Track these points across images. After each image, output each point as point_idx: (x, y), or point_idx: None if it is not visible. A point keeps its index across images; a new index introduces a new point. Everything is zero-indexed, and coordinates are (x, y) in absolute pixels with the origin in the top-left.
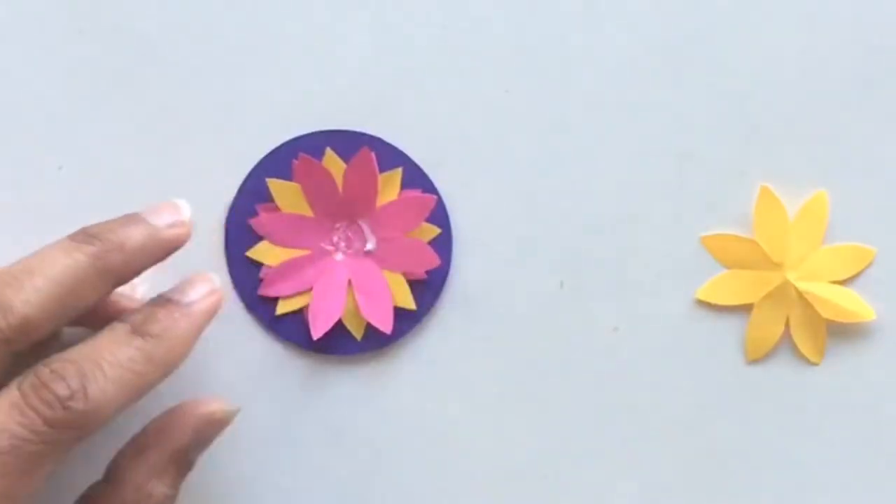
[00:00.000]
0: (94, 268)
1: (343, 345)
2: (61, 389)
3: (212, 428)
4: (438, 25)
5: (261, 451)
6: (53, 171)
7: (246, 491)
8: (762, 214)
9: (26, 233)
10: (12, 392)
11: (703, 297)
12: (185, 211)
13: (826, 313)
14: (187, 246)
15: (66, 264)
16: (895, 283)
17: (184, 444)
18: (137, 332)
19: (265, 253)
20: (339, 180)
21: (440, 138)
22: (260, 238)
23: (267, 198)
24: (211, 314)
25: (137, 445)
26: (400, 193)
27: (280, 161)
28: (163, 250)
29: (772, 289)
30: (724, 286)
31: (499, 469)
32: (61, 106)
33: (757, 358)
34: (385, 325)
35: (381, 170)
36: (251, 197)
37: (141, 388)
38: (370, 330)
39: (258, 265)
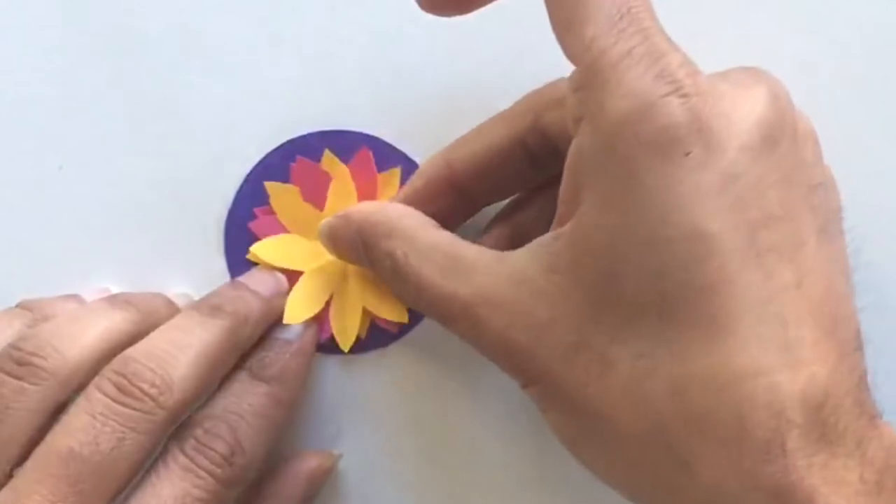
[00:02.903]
0: (230, 342)
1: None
2: (221, 447)
3: (319, 479)
4: (438, 25)
5: None
6: (53, 171)
7: None
8: None
9: (26, 233)
10: (178, 457)
11: None
12: (283, 281)
13: None
14: (187, 247)
15: (208, 340)
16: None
17: (298, 501)
18: (258, 377)
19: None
20: None
21: (440, 138)
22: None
23: (266, 199)
24: (314, 348)
25: None
26: None
27: (279, 161)
28: (269, 323)
29: None
30: None
31: (499, 469)
32: (61, 106)
33: None
34: (389, 324)
35: (380, 169)
36: (251, 198)
37: (276, 432)
38: (370, 330)
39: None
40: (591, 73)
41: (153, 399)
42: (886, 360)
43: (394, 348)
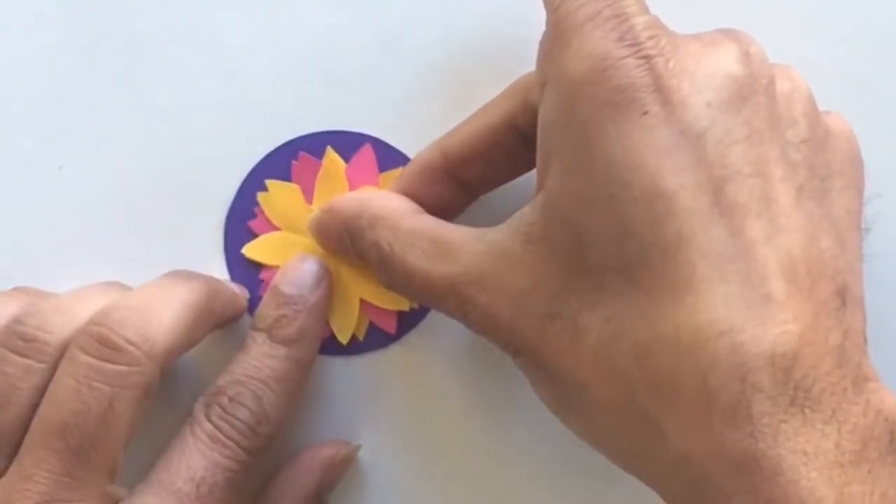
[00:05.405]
0: (208, 306)
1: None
2: (247, 417)
3: (336, 469)
4: (439, 26)
5: None
6: (53, 171)
7: (245, 491)
8: None
9: (26, 233)
10: (205, 425)
11: None
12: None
13: None
14: (187, 247)
15: (188, 297)
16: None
17: (312, 489)
18: (278, 339)
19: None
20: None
21: None
22: None
23: None
24: (328, 301)
25: (269, 498)
26: None
27: (281, 160)
28: (239, 310)
29: None
30: None
31: (500, 468)
32: (61, 106)
33: None
34: (388, 324)
35: (381, 169)
36: (251, 197)
37: (297, 395)
38: (369, 331)
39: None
40: (555, 35)
41: (137, 347)
42: None
43: (393, 349)
